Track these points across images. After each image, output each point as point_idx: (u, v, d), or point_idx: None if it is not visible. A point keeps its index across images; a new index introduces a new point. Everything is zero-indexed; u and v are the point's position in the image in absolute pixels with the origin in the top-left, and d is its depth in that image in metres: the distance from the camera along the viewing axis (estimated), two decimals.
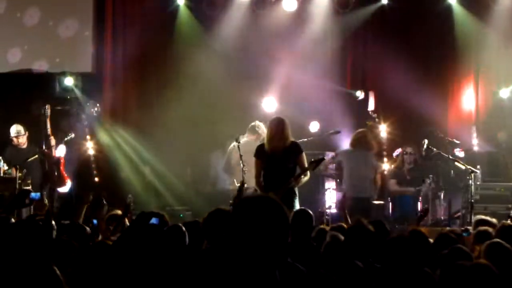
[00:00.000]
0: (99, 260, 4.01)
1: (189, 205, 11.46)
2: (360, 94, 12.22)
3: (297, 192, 8.35)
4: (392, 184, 11.09)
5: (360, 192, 9.48)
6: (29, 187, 9.17)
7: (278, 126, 8.43)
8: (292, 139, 8.47)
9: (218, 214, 4.90)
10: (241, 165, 9.21)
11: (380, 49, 12.71)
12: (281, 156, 8.34)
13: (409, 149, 11.21)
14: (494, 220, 6.69)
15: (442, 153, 10.61)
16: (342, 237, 5.10)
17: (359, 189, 9.53)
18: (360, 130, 10.26)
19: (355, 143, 9.92)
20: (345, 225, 6.03)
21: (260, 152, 8.52)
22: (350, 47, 12.95)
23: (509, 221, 7.62)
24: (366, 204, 9.43)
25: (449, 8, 12.43)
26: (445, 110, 12.47)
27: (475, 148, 11.35)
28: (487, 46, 12.02)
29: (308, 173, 8.44)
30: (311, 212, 6.28)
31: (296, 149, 8.44)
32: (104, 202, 8.01)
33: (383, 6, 12.63)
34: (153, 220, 4.24)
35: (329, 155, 10.89)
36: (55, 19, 12.17)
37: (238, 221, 2.53)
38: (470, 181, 9.99)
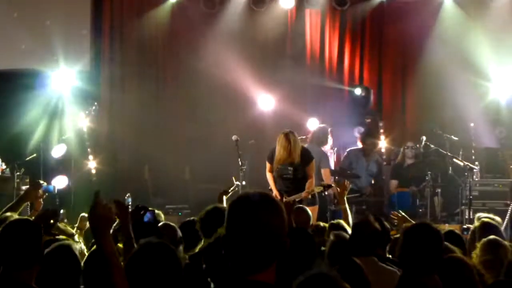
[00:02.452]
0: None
1: (188, 203, 11.45)
2: (359, 91, 12.20)
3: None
4: (393, 184, 11.06)
5: None
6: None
7: (287, 146, 8.33)
8: (299, 151, 8.38)
9: (215, 212, 4.90)
10: (239, 163, 9.23)
11: (379, 47, 12.71)
12: (290, 170, 8.40)
13: (410, 144, 11.20)
14: (497, 218, 6.67)
15: (440, 149, 10.60)
16: (347, 236, 5.03)
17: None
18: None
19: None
20: (343, 222, 5.98)
21: (271, 158, 8.54)
22: (349, 44, 12.93)
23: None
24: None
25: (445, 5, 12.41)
26: (443, 106, 12.45)
27: (473, 145, 11.33)
28: (481, 42, 11.98)
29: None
30: (308, 210, 6.27)
31: (305, 158, 8.44)
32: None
33: (381, 2, 12.62)
34: (148, 217, 4.18)
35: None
36: (52, 18, 12.14)
37: (235, 218, 2.52)
38: (469, 177, 9.99)
